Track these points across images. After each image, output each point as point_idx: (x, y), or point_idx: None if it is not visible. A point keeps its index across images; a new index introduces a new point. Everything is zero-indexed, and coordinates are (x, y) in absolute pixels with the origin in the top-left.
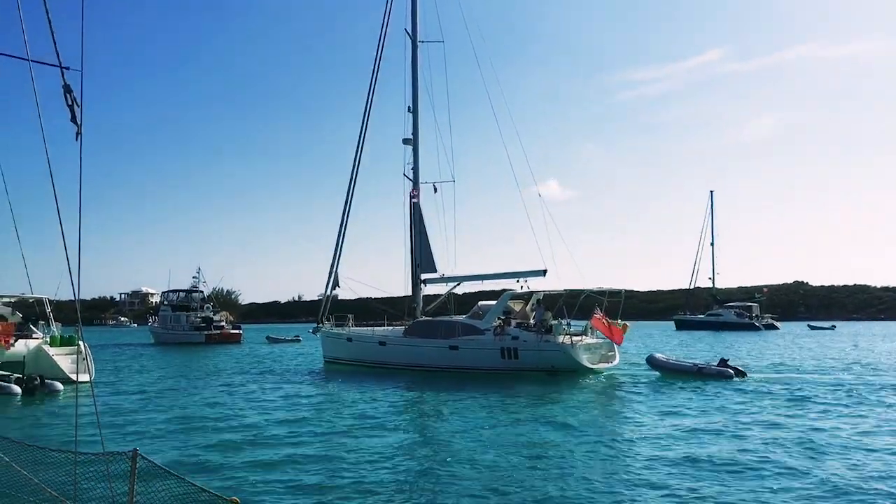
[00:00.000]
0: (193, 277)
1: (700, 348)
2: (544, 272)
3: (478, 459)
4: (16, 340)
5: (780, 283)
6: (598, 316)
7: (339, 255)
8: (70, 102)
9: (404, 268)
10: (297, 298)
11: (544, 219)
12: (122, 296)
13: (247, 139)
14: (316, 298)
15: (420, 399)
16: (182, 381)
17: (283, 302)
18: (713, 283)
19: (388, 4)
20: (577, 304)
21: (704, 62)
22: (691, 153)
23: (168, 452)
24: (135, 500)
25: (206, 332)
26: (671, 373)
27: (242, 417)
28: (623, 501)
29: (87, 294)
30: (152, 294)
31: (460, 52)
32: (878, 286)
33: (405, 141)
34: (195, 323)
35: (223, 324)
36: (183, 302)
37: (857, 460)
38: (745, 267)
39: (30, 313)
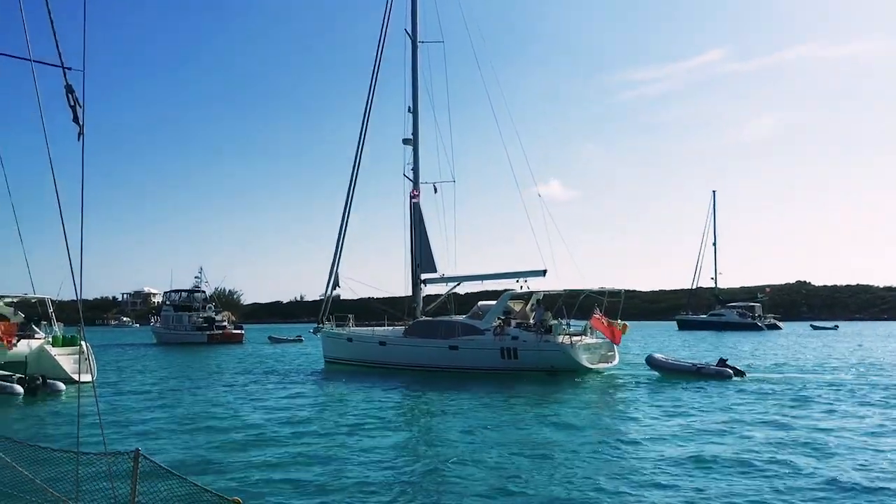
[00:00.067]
0: (195, 277)
1: (703, 348)
2: (544, 272)
3: (482, 459)
4: (18, 340)
5: (783, 283)
6: (597, 316)
7: (340, 256)
8: (72, 103)
9: (404, 268)
10: (299, 298)
11: (544, 219)
12: (125, 296)
13: (247, 139)
14: (318, 298)
15: (421, 399)
16: (184, 381)
17: (285, 302)
18: (715, 283)
19: (388, 5)
20: (576, 304)
21: (705, 62)
22: (692, 153)
23: (170, 452)
24: (137, 500)
25: (208, 333)
26: (670, 373)
27: (244, 417)
28: (629, 502)
29: (90, 294)
30: (154, 294)
31: (460, 52)
32: (881, 286)
33: (405, 141)
34: (197, 323)
35: (225, 324)
36: (185, 302)
37: (863, 460)
38: (747, 267)
39: (32, 313)
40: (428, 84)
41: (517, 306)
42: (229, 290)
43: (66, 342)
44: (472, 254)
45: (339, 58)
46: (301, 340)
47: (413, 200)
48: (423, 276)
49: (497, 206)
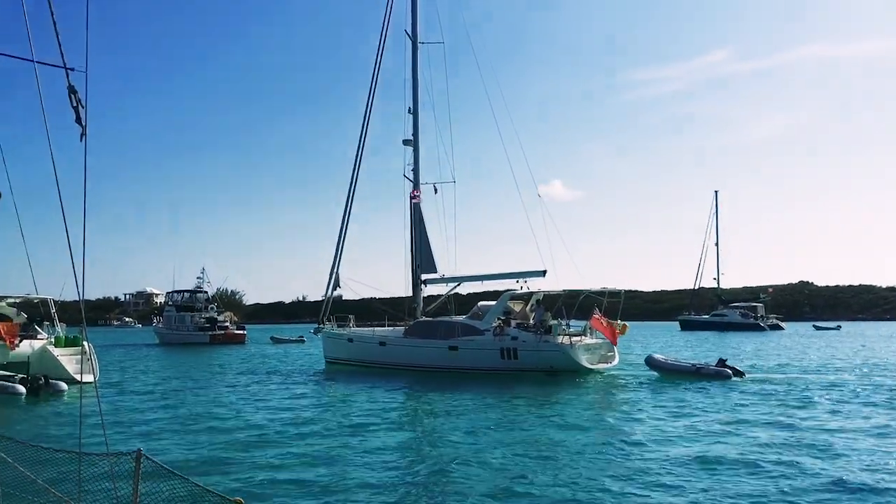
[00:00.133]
0: (198, 278)
1: (705, 349)
2: (544, 272)
3: (486, 460)
4: (20, 341)
5: (785, 283)
6: (596, 316)
7: (340, 256)
8: (75, 104)
9: (405, 268)
10: (301, 299)
11: (544, 219)
12: (127, 296)
13: (249, 139)
14: (320, 299)
15: (423, 399)
16: (186, 381)
17: (287, 302)
18: (718, 283)
19: (389, 6)
20: (576, 304)
21: (708, 63)
22: (696, 153)
23: (173, 453)
24: (139, 500)
25: (210, 333)
26: (670, 373)
27: (247, 418)
28: (635, 502)
29: (92, 294)
30: (157, 294)
31: (461, 52)
32: (884, 286)
33: (405, 142)
34: (199, 323)
35: (227, 324)
36: (187, 302)
37: (869, 461)
38: (749, 267)
39: (34, 314)
40: (428, 85)
41: (517, 307)
42: (232, 291)
43: (69, 342)
44: (472, 254)
45: (340, 58)
46: (303, 341)
47: (413, 201)
48: (424, 277)
49: (497, 207)
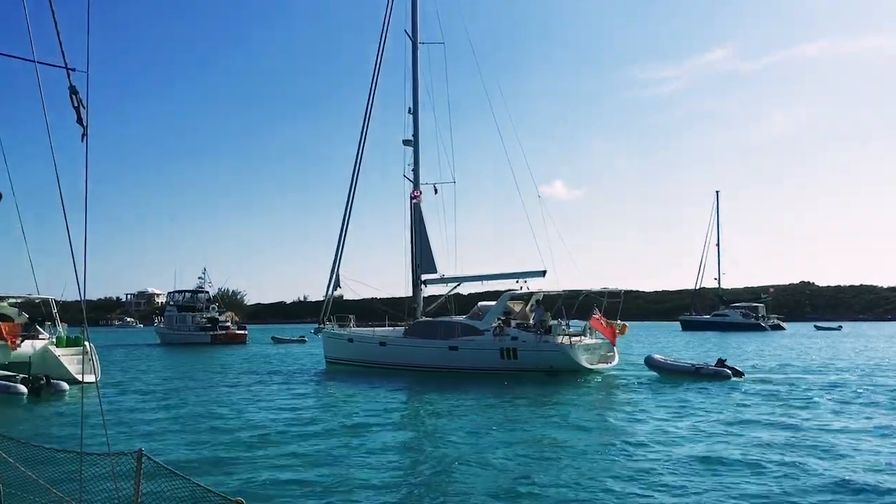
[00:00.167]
0: (199, 278)
1: (706, 349)
2: (544, 273)
3: (488, 460)
4: (22, 341)
5: (787, 283)
6: (596, 316)
7: (340, 257)
8: (76, 104)
9: (405, 269)
10: (302, 299)
11: (544, 219)
12: (128, 296)
13: (250, 143)
14: (321, 299)
15: (424, 399)
16: (187, 381)
17: (288, 302)
18: (719, 283)
19: (389, 6)
20: (576, 304)
21: (710, 60)
22: (698, 152)
23: (174, 453)
24: (140, 500)
25: (211, 333)
26: (669, 373)
27: (248, 418)
28: (638, 503)
29: (93, 294)
30: (158, 294)
31: (461, 52)
32: (885, 286)
33: (405, 142)
34: (201, 323)
35: (228, 324)
36: (189, 302)
37: (872, 461)
38: (751, 267)
39: (36, 314)
40: (428, 85)
41: (517, 307)
42: (233, 291)
43: (70, 342)
44: (472, 254)
45: (341, 63)
46: (304, 341)
47: (413, 201)
48: (424, 277)
49: (497, 207)
